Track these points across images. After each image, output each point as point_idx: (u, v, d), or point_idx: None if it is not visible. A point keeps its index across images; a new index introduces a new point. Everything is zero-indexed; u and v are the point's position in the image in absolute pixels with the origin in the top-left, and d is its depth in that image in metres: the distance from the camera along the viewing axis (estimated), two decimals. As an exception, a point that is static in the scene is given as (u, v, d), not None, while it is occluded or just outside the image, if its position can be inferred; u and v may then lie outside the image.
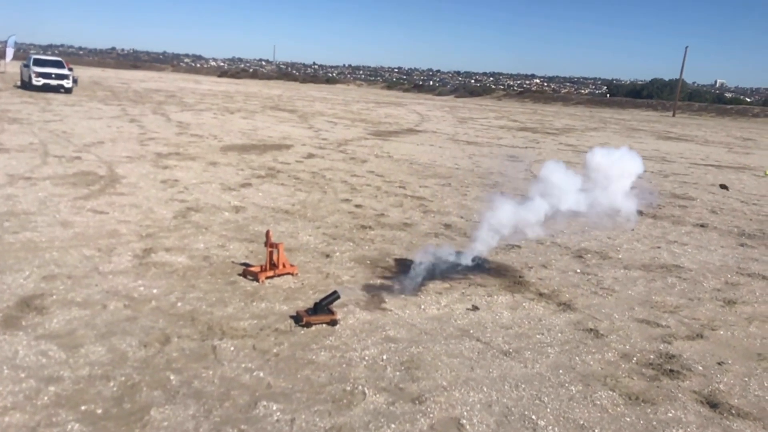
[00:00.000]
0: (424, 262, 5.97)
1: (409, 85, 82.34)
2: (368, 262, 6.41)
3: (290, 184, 10.41)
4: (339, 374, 4.02)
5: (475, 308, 5.34)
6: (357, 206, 9.08)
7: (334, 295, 4.87)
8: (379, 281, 5.87)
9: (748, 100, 74.72)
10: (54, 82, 26.85)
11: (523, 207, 6.28)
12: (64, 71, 27.51)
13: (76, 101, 23.58)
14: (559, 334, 4.93)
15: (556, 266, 6.75)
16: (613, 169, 6.43)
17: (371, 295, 5.50)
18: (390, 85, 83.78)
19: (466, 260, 6.36)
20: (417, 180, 11.75)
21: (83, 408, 3.42)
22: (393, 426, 3.48)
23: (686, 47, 56.91)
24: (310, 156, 13.98)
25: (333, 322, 4.76)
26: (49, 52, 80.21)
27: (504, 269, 6.55)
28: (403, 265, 6.31)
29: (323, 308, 4.79)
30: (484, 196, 10.37)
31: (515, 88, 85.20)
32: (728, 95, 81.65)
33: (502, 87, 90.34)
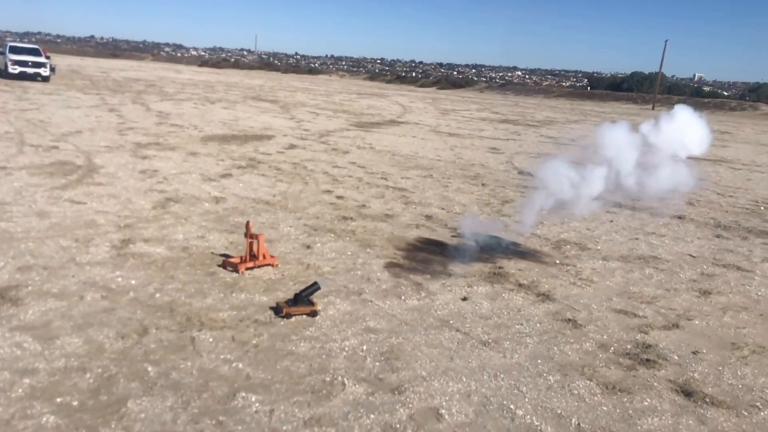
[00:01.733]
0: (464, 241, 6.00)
1: (392, 77, 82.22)
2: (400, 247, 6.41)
3: (271, 174, 10.35)
4: (319, 365, 4.02)
5: (465, 299, 5.38)
6: (338, 197, 9.06)
7: (314, 286, 4.86)
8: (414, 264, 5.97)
9: (726, 93, 75.72)
10: (31, 70, 26.41)
11: (581, 175, 5.98)
12: (42, 59, 27.06)
13: (54, 90, 23.20)
14: (538, 325, 4.97)
15: (536, 257, 6.80)
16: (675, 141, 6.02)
17: (412, 282, 5.68)
18: (372, 76, 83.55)
19: (504, 243, 6.48)
20: (399, 171, 11.75)
21: (59, 400, 3.38)
22: (372, 416, 3.49)
23: (666, 41, 57.58)
24: (292, 147, 13.90)
25: (313, 314, 4.76)
26: (26, 40, 78.73)
27: (538, 253, 6.69)
28: (431, 245, 6.32)
29: (303, 299, 4.78)
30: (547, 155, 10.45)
31: (497, 81, 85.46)
32: (706, 89, 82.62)
33: (484, 79, 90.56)
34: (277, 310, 4.78)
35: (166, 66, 70.19)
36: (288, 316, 4.68)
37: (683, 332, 5.05)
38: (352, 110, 26.47)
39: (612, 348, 4.64)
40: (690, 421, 3.72)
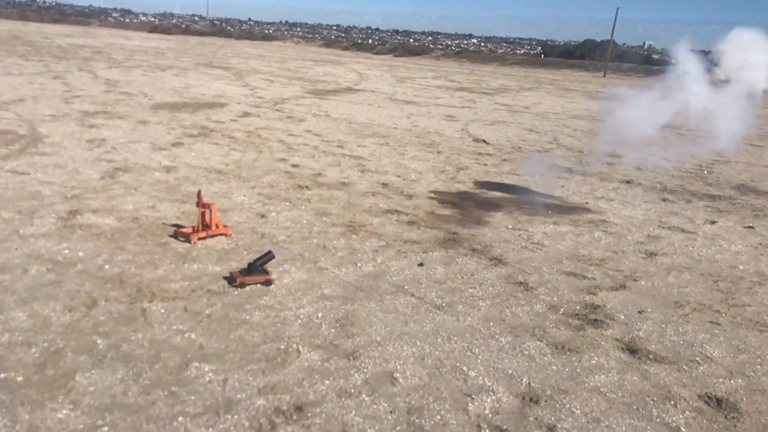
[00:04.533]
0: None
1: (348, 44, 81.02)
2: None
3: (224, 143, 10.16)
4: (273, 333, 4.01)
5: (420, 265, 5.42)
6: (294, 166, 8.96)
7: (268, 255, 4.83)
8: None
9: (674, 61, 77.09)
10: (-34, 36, 25.08)
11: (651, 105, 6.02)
12: (-22, 24, 25.71)
13: (-8, 56, 22.12)
14: (491, 288, 5.06)
15: (489, 222, 6.89)
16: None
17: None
18: (328, 43, 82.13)
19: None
20: (355, 139, 11.68)
21: (2, 376, 3.29)
22: (327, 382, 3.51)
23: (617, 9, 58.19)
24: (246, 115, 13.64)
25: (267, 282, 4.73)
26: (-39, 4, 74.52)
27: (570, 205, 7.32)
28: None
29: (257, 268, 4.74)
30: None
31: (453, 48, 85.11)
32: (655, 56, 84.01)
33: (440, 47, 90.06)
34: (230, 279, 4.73)
35: (114, 32, 67.49)
36: (242, 285, 4.64)
37: (630, 293, 5.22)
38: (308, 77, 26.08)
39: (562, 309, 4.77)
40: (634, 377, 3.86)
